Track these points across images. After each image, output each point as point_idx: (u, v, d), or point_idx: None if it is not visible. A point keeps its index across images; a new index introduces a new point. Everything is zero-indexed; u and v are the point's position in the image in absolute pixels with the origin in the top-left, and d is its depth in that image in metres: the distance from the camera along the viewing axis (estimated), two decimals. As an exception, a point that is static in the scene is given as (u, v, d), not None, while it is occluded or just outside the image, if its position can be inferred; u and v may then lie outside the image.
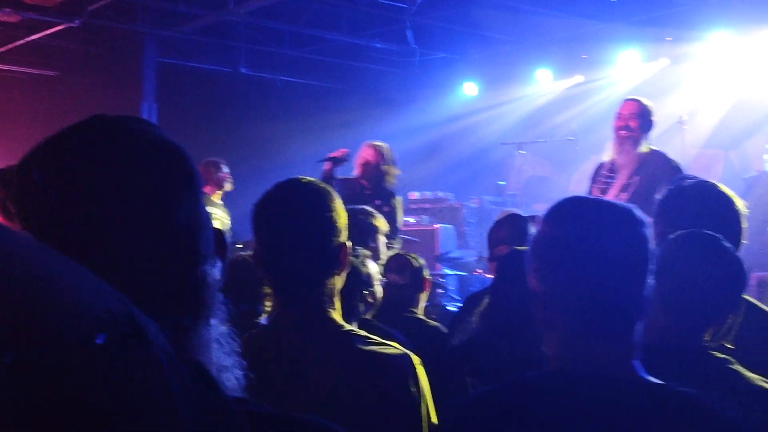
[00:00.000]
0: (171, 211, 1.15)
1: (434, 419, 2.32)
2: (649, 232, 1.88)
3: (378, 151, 7.43)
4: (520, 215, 5.01)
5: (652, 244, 1.87)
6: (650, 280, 1.85)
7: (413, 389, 2.27)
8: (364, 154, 7.43)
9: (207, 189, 8.45)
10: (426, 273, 4.85)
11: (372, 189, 7.32)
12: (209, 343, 1.22)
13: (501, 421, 1.87)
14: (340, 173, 7.31)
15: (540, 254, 1.91)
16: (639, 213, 1.89)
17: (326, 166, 7.20)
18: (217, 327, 1.26)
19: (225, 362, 1.28)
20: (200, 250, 1.18)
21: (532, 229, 4.59)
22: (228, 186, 8.93)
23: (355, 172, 7.44)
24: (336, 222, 2.38)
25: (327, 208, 2.38)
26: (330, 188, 2.46)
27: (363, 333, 2.40)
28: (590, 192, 5.91)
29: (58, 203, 1.10)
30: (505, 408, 1.88)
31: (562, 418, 1.79)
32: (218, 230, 1.27)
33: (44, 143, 1.20)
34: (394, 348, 2.34)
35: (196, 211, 1.19)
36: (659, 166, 5.86)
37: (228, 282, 1.31)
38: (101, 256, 1.09)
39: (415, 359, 2.32)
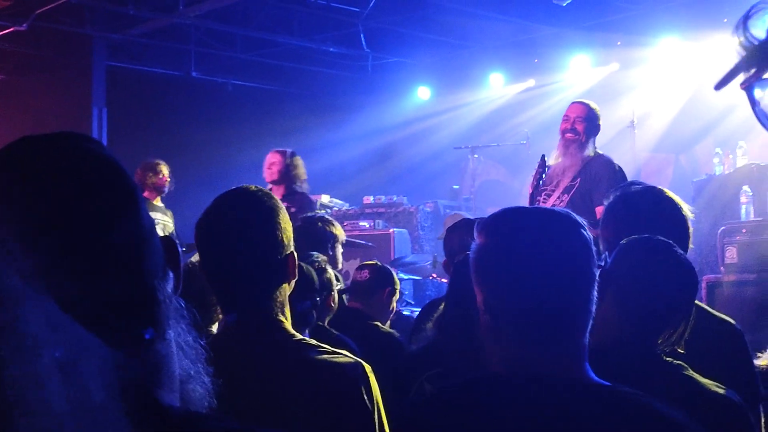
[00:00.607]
0: (109, 230, 1.11)
1: (386, 428, 2.29)
2: (589, 234, 1.87)
3: (282, 154, 7.50)
4: (470, 220, 5.01)
5: (593, 250, 1.86)
6: (594, 285, 1.85)
7: (366, 398, 2.24)
8: (270, 159, 7.50)
9: (146, 194, 8.33)
10: (394, 281, 4.88)
11: (283, 197, 7.35)
12: (170, 355, 1.20)
13: (447, 423, 1.85)
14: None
15: (482, 266, 1.89)
16: (576, 216, 1.88)
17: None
18: (182, 335, 1.24)
19: (190, 370, 1.26)
20: (144, 266, 1.15)
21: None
22: (168, 187, 8.72)
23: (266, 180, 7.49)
24: (282, 232, 2.36)
25: (272, 219, 2.35)
26: (275, 198, 2.43)
27: (314, 342, 2.38)
28: (531, 193, 5.93)
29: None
30: (450, 409, 1.87)
31: (506, 420, 1.79)
32: (170, 240, 1.24)
33: None
34: (346, 357, 2.32)
35: (137, 228, 1.16)
36: (600, 168, 5.93)
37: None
38: (49, 277, 1.04)
39: (367, 367, 2.30)
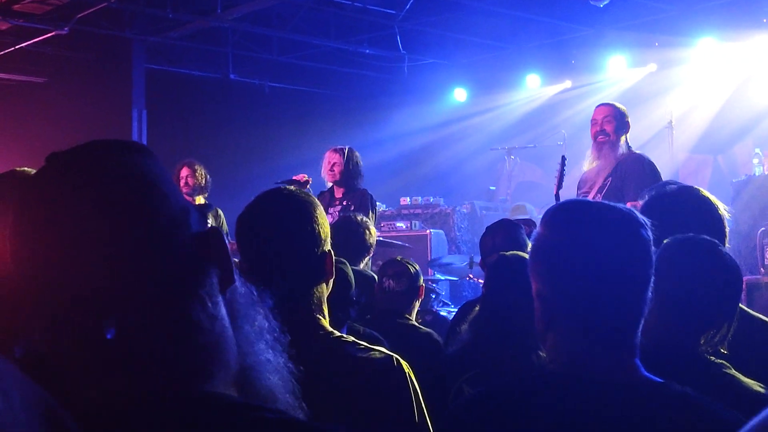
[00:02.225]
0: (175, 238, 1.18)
1: (427, 420, 2.31)
2: (650, 234, 1.87)
3: (342, 153, 7.46)
4: (511, 222, 5.01)
5: (652, 246, 1.87)
6: (651, 285, 1.85)
7: (405, 392, 2.27)
8: (330, 159, 7.45)
9: (186, 194, 8.37)
10: (421, 280, 4.86)
11: (343, 195, 7.35)
12: (220, 343, 1.23)
13: (498, 421, 1.86)
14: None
15: (541, 257, 1.91)
16: (640, 216, 1.89)
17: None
18: (257, 320, 1.33)
19: (261, 356, 1.32)
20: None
21: (524, 235, 4.61)
22: (207, 187, 8.76)
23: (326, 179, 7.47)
24: (320, 231, 2.38)
25: (310, 218, 2.38)
26: (312, 197, 2.46)
27: (351, 339, 2.40)
28: (555, 194, 6.03)
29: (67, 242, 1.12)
30: (501, 408, 1.87)
31: (560, 418, 1.79)
32: (212, 232, 1.26)
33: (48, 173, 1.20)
34: (382, 352, 2.34)
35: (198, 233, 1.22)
36: (630, 165, 5.97)
37: None
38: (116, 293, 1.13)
39: (403, 362, 2.32)
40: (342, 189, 7.46)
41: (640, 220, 1.87)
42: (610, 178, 6.02)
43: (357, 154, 7.52)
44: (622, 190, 5.89)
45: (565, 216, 1.92)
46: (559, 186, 5.96)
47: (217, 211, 8.68)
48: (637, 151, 6.20)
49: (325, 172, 7.50)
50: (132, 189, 1.17)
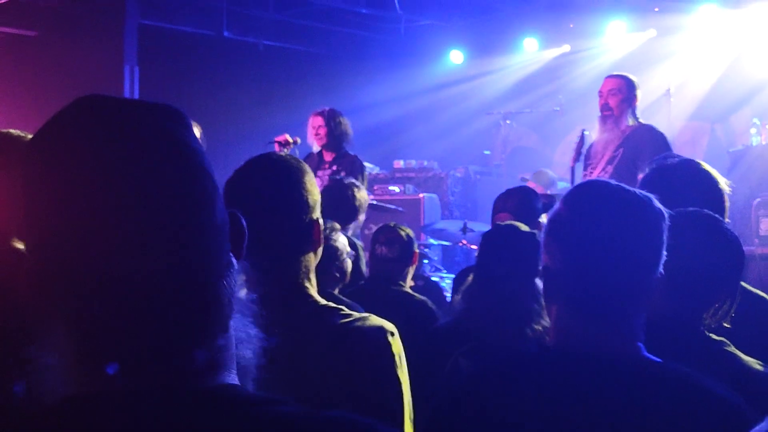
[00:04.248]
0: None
1: (406, 392, 2.28)
2: (665, 225, 1.92)
3: (324, 115, 7.39)
4: (531, 190, 4.96)
5: (666, 236, 1.92)
6: (660, 269, 1.90)
7: (393, 362, 2.22)
8: (314, 123, 7.39)
9: None
10: (415, 246, 4.80)
11: (333, 159, 7.29)
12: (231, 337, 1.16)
13: (498, 397, 1.88)
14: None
15: (555, 232, 1.94)
16: (658, 204, 1.92)
17: (276, 148, 7.13)
18: (242, 298, 1.22)
19: (249, 330, 1.26)
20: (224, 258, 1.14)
21: (539, 205, 4.55)
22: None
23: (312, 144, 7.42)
24: (308, 198, 2.33)
25: (298, 185, 2.33)
26: (302, 163, 2.41)
27: (340, 307, 2.36)
28: (571, 167, 6.04)
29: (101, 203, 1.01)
30: (502, 383, 1.90)
31: (559, 394, 1.81)
32: (239, 221, 1.20)
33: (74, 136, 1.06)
34: (373, 323, 2.30)
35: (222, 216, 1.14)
36: (643, 138, 5.99)
37: None
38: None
39: (393, 331, 2.28)
40: (332, 153, 7.40)
41: (658, 210, 1.92)
42: (621, 149, 6.04)
43: (340, 114, 7.45)
44: (635, 160, 5.89)
45: (586, 195, 1.97)
46: (577, 159, 6.00)
47: None
48: (646, 123, 6.17)
49: (311, 137, 7.45)
50: (186, 171, 1.08)
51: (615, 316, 1.86)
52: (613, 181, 2.01)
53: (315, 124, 7.38)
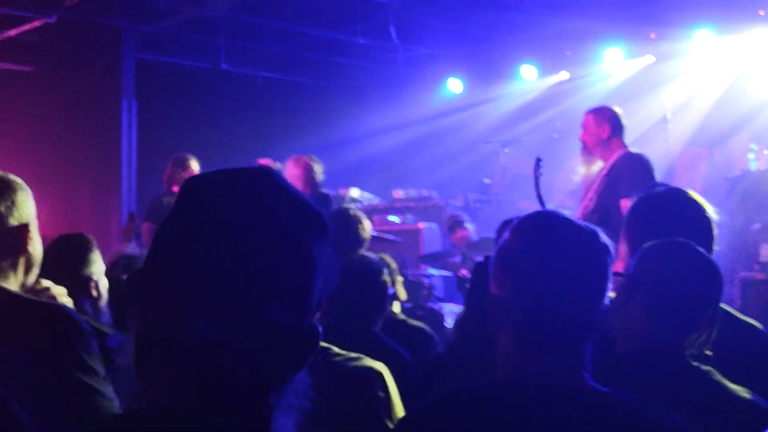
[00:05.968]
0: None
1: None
2: (611, 258, 1.93)
3: (299, 165, 7.44)
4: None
5: (611, 269, 1.93)
6: (606, 302, 1.90)
7: (378, 407, 2.21)
8: (290, 172, 7.44)
9: (175, 188, 8.30)
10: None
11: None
12: None
13: (447, 429, 1.89)
14: None
15: (503, 262, 1.95)
16: (604, 238, 1.93)
17: None
18: None
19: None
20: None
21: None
22: None
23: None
24: None
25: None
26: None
27: (333, 348, 2.36)
28: (537, 195, 6.10)
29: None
30: (451, 416, 1.90)
31: (507, 428, 1.83)
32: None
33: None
34: (366, 362, 2.29)
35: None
36: (624, 164, 6.05)
37: None
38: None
39: (384, 374, 2.27)
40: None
41: (603, 243, 1.92)
42: (606, 179, 6.05)
43: (316, 161, 7.53)
44: (617, 188, 5.90)
45: (534, 226, 1.97)
46: (537, 187, 6.02)
47: None
48: (633, 149, 6.14)
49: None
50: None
51: (561, 345, 1.88)
52: (561, 213, 2.03)
53: (291, 172, 7.46)
